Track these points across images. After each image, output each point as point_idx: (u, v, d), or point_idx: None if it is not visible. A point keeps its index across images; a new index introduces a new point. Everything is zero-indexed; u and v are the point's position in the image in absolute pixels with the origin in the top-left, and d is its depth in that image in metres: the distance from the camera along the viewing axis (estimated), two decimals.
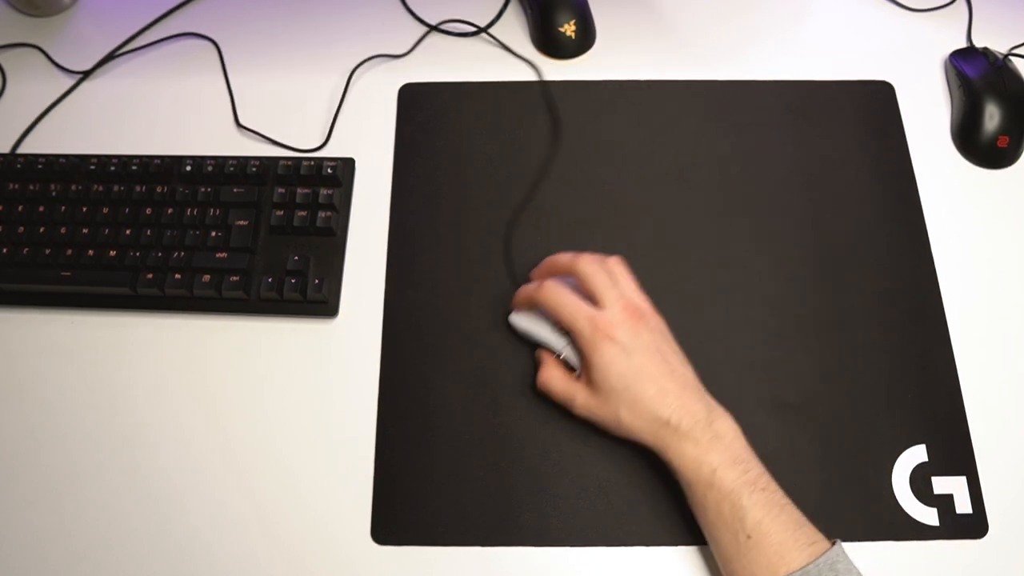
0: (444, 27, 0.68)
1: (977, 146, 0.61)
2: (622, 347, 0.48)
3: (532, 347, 0.55)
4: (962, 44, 0.66)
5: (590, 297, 0.50)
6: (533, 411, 0.54)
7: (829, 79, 0.65)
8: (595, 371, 0.48)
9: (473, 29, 0.68)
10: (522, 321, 0.54)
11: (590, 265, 0.51)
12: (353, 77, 0.66)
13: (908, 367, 0.55)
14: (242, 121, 0.64)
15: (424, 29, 0.68)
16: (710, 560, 0.50)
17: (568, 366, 0.52)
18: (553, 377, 0.52)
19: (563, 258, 0.53)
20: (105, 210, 0.59)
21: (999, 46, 0.65)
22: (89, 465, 0.54)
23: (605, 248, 0.58)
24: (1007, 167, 0.61)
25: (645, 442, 0.48)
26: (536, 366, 0.54)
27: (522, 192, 0.61)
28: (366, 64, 0.67)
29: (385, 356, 0.56)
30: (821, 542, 0.44)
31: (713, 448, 0.46)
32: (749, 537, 0.43)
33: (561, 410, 0.53)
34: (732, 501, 0.44)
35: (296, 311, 0.57)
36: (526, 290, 0.53)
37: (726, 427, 0.47)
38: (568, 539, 0.51)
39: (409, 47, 0.67)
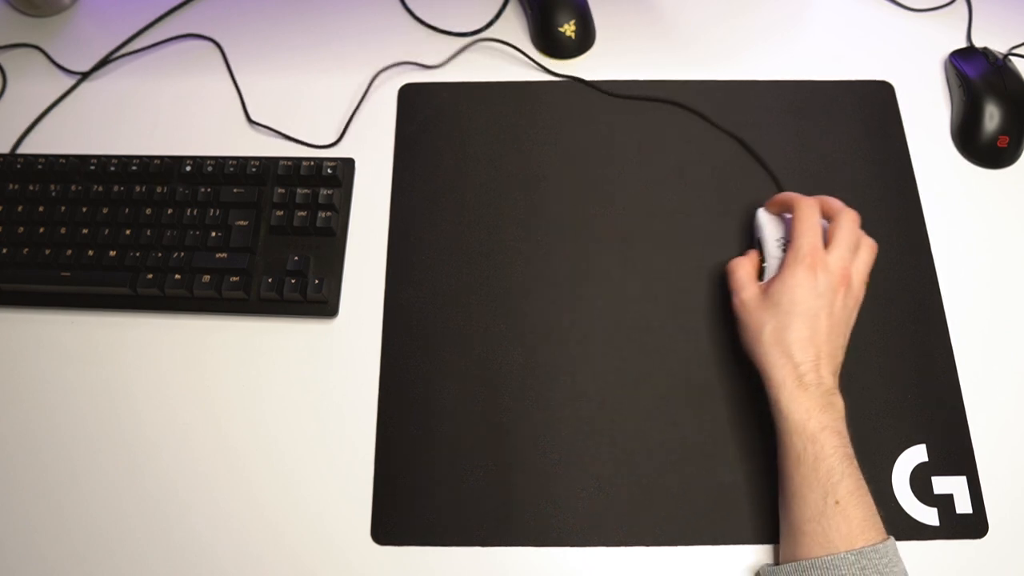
0: (442, 27, 0.68)
1: (977, 146, 0.61)
2: (816, 285, 0.49)
3: (533, 344, 0.55)
4: (962, 44, 0.66)
5: (829, 241, 0.51)
6: (533, 411, 0.54)
7: (829, 79, 0.65)
8: (779, 282, 0.50)
9: (471, 30, 0.68)
10: (763, 217, 0.56)
11: (852, 223, 0.52)
12: (356, 77, 0.66)
13: (908, 367, 0.55)
14: (253, 118, 0.65)
15: (424, 28, 0.68)
16: (710, 560, 0.50)
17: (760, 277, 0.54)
18: (744, 265, 0.54)
19: (836, 203, 0.53)
20: (105, 210, 0.59)
21: (999, 46, 0.65)
22: (89, 465, 0.54)
23: (605, 247, 0.58)
24: (1007, 167, 0.61)
25: (766, 372, 0.49)
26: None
27: (522, 192, 0.61)
28: (365, 64, 0.67)
29: (385, 356, 0.56)
30: (886, 535, 0.45)
31: (827, 411, 0.47)
32: (838, 503, 0.44)
33: (562, 410, 0.53)
34: (830, 464, 0.45)
35: (296, 311, 0.57)
36: (791, 195, 0.54)
37: (840, 405, 0.48)
38: (568, 539, 0.51)
39: (410, 46, 0.67)
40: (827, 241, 0.51)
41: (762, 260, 0.55)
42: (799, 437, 0.46)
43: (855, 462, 0.46)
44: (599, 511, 0.51)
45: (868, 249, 0.52)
